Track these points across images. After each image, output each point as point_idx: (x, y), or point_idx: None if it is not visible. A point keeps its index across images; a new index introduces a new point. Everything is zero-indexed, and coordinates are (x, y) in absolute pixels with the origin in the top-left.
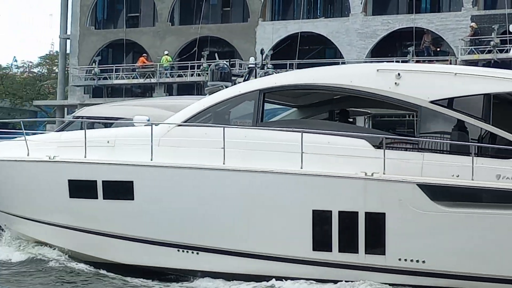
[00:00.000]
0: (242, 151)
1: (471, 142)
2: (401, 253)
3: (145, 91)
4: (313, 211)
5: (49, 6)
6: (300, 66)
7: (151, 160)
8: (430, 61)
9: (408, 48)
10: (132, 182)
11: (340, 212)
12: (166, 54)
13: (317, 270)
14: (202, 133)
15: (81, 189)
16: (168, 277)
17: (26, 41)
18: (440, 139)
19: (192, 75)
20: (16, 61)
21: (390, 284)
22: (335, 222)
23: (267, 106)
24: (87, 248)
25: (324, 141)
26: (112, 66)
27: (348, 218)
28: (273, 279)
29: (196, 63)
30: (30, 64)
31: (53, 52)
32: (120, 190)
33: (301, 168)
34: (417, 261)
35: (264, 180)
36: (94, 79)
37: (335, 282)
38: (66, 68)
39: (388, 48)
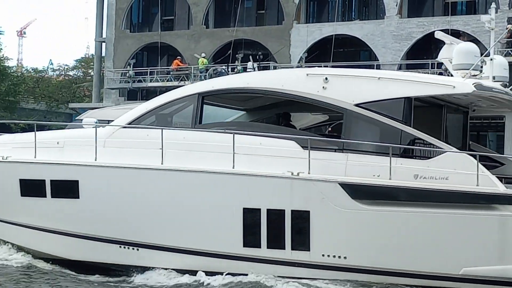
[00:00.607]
0: (181, 151)
1: (391, 143)
2: (324, 249)
3: None
4: (244, 209)
5: (85, 10)
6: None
7: (95, 160)
8: None
9: None
10: (77, 181)
11: (268, 210)
12: (203, 57)
13: (248, 265)
14: (144, 134)
15: (31, 188)
16: (113, 273)
17: (62, 45)
18: (364, 141)
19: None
20: (52, 64)
21: (314, 279)
22: (264, 219)
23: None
24: (38, 244)
25: (256, 142)
26: (147, 69)
27: (275, 216)
28: (208, 274)
29: (231, 65)
30: (66, 67)
31: (89, 55)
32: (67, 189)
33: (233, 168)
34: (339, 257)
35: (198, 180)
36: (129, 82)
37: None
38: (102, 71)
39: (423, 50)
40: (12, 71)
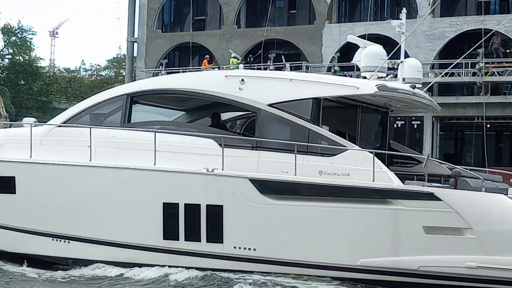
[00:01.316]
0: (110, 149)
1: (300, 142)
2: (236, 241)
3: None
4: (163, 203)
5: (117, 10)
6: None
7: (30, 157)
8: (499, 63)
9: (477, 50)
10: (14, 177)
11: (186, 205)
12: (234, 57)
13: (168, 257)
14: (77, 133)
15: None
16: (47, 265)
17: (94, 45)
18: (273, 139)
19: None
20: (84, 64)
21: (227, 270)
22: (182, 213)
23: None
24: None
25: (178, 141)
26: (179, 69)
27: (192, 210)
28: (132, 266)
29: (263, 65)
30: (98, 67)
31: (121, 55)
32: (4, 185)
33: (154, 164)
34: (249, 248)
35: (121, 176)
36: None
37: (186, 268)
38: (133, 71)
39: (456, 50)
40: (44, 71)
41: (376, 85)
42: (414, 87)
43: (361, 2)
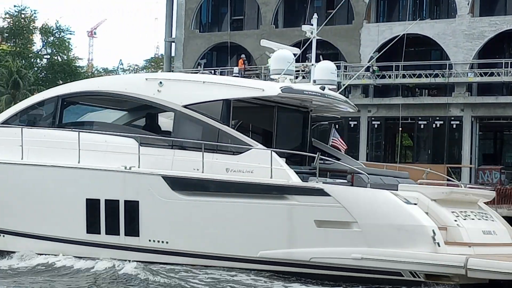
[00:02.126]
0: (43, 148)
1: (212, 141)
2: (150, 235)
3: None
4: (87, 199)
5: (155, 10)
6: (406, 68)
7: None
8: None
9: None
10: None
11: (106, 201)
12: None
13: (91, 250)
14: (13, 133)
15: None
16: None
17: (132, 45)
18: (190, 139)
19: (297, 77)
20: (122, 64)
21: (143, 262)
22: (103, 209)
23: None
24: None
25: (102, 140)
26: (217, 69)
27: (112, 206)
28: (59, 257)
29: (301, 65)
30: (136, 67)
31: (158, 55)
32: None
33: (78, 162)
34: (162, 242)
35: (49, 173)
36: None
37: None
38: (171, 71)
39: (496, 49)
40: (82, 71)
41: (280, 87)
42: (323, 88)
43: (399, 2)
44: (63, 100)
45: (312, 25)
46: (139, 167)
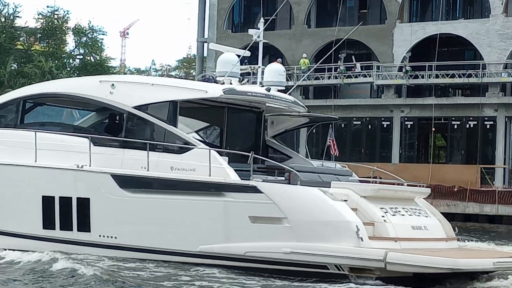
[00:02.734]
0: (7, 148)
1: (159, 141)
2: (100, 230)
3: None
4: (42, 196)
5: (187, 11)
6: (439, 68)
7: None
8: None
9: None
10: None
11: (60, 198)
12: (305, 57)
13: (47, 244)
14: None
15: None
16: None
17: (164, 45)
18: (139, 139)
19: (329, 77)
20: (154, 64)
21: (96, 256)
22: (57, 205)
23: None
24: None
25: (59, 139)
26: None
27: (65, 202)
28: (16, 252)
29: (333, 65)
30: (168, 67)
31: (190, 56)
32: None
33: (35, 161)
34: (111, 237)
35: (9, 172)
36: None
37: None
38: (203, 71)
39: None
40: (115, 71)
41: (222, 89)
42: (269, 90)
43: (432, 2)
44: (24, 101)
45: (258, 29)
46: (90, 165)
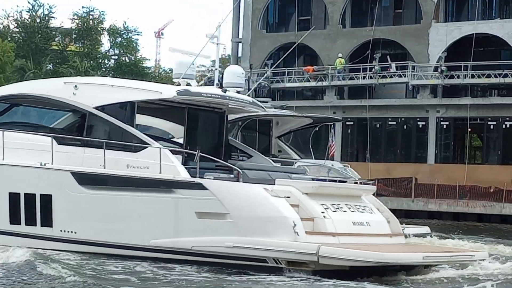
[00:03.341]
0: None
1: (117, 140)
2: (62, 226)
3: (316, 94)
4: (9, 193)
5: (221, 11)
6: (475, 68)
7: None
8: None
9: None
10: None
11: (25, 194)
12: (340, 57)
13: (13, 239)
14: None
15: None
16: None
17: (199, 45)
18: (99, 138)
19: (364, 78)
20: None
21: (56, 250)
22: (23, 201)
23: None
24: None
25: (25, 138)
26: (284, 69)
27: (30, 199)
28: None
29: (368, 65)
30: (203, 67)
31: (225, 56)
32: None
33: (3, 159)
34: (71, 232)
35: None
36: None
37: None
38: None
39: None
40: (150, 71)
41: (176, 90)
42: (225, 91)
43: (468, 1)
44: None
45: (216, 32)
46: (52, 163)
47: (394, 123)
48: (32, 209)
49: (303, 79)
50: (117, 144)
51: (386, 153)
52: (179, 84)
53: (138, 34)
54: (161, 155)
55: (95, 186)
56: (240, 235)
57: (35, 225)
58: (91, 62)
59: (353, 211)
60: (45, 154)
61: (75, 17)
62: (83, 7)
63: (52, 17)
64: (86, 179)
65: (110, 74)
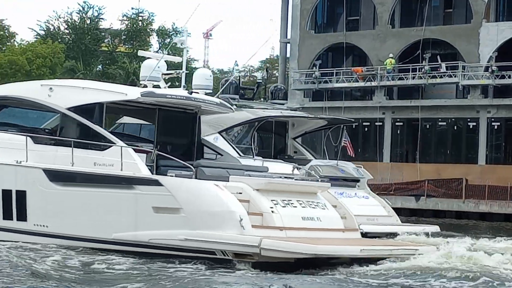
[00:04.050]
0: None
1: (88, 140)
2: (35, 220)
3: (365, 94)
4: None
5: (270, 11)
6: None
7: None
8: None
9: None
10: None
11: (3, 190)
12: (391, 57)
13: None
14: None
15: None
16: None
17: (247, 46)
18: (71, 137)
19: (413, 78)
20: (237, 65)
21: (31, 243)
22: (0, 197)
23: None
24: None
25: (6, 138)
26: (332, 70)
27: (7, 195)
28: None
29: (418, 65)
30: (251, 68)
31: (273, 56)
32: None
33: None
34: (44, 226)
35: None
36: (314, 83)
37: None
38: (286, 72)
39: None
40: None
41: (140, 92)
42: (190, 93)
43: None
44: None
45: (183, 37)
46: (27, 161)
47: (444, 123)
48: (9, 204)
49: (352, 79)
50: (85, 143)
51: (436, 154)
52: (145, 86)
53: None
54: (122, 153)
55: (64, 182)
56: (192, 228)
57: (12, 220)
58: (140, 63)
59: (304, 207)
60: (22, 153)
61: (124, 18)
62: (132, 8)
63: (102, 18)
64: (56, 176)
65: None
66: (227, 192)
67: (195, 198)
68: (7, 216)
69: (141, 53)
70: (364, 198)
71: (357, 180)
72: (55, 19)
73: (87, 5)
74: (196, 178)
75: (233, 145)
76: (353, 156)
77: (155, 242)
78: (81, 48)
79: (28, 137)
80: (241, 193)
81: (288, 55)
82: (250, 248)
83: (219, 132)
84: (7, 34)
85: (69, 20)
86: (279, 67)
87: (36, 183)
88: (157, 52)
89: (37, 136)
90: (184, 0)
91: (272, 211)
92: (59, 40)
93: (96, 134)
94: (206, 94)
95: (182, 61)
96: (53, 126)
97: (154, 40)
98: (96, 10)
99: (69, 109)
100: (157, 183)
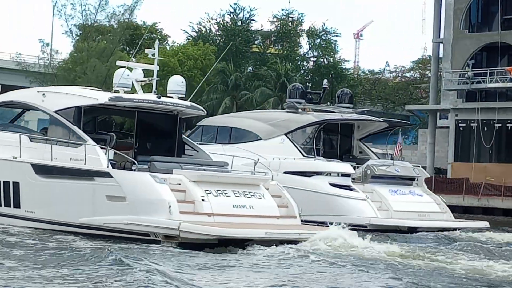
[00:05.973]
0: None
1: (68, 139)
2: (26, 206)
3: None
4: None
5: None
6: None
7: None
8: None
9: None
10: None
11: (3, 181)
12: None
13: None
14: None
15: None
16: None
17: (398, 46)
18: (57, 136)
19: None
20: (388, 66)
21: (24, 227)
22: (1, 187)
23: None
24: None
25: (6, 136)
26: (486, 70)
27: (6, 185)
28: None
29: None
30: (402, 68)
31: (426, 57)
32: None
33: None
34: (31, 212)
35: None
36: (467, 83)
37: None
38: (439, 72)
39: None
40: (349, 73)
41: (108, 97)
42: (159, 97)
43: None
44: None
45: (155, 49)
46: (20, 157)
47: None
48: (8, 193)
49: (506, 79)
50: (63, 141)
51: None
52: (117, 92)
53: (337, 36)
54: (86, 150)
55: (46, 175)
56: (133, 214)
57: (10, 207)
58: (290, 64)
59: (238, 196)
60: (18, 149)
61: (275, 19)
62: (282, 9)
63: (253, 20)
64: (39, 169)
65: (309, 76)
66: (161, 183)
67: (135, 187)
68: (6, 203)
69: (119, 63)
70: (418, 195)
71: (413, 179)
72: (207, 21)
73: (239, 6)
74: (149, 171)
75: (297, 146)
76: (399, 156)
77: (107, 226)
78: (231, 49)
79: (24, 136)
80: (180, 184)
81: (441, 55)
82: (172, 230)
83: (285, 134)
84: (159, 37)
85: (221, 22)
86: (431, 67)
87: (26, 175)
88: (306, 53)
89: (32, 135)
90: (334, 1)
91: (203, 200)
92: (210, 42)
93: (74, 133)
94: (179, 98)
95: (153, 70)
96: (27, 125)
97: (304, 41)
98: (247, 12)
99: (56, 111)
100: (109, 175)
